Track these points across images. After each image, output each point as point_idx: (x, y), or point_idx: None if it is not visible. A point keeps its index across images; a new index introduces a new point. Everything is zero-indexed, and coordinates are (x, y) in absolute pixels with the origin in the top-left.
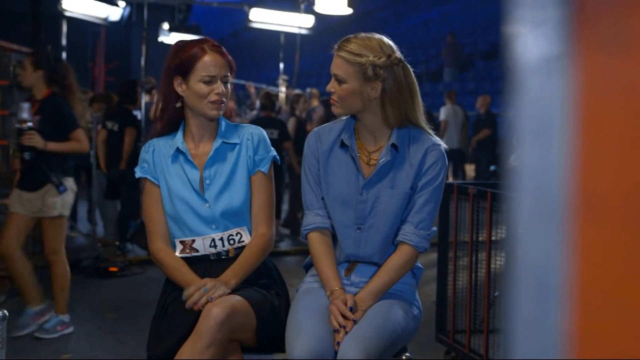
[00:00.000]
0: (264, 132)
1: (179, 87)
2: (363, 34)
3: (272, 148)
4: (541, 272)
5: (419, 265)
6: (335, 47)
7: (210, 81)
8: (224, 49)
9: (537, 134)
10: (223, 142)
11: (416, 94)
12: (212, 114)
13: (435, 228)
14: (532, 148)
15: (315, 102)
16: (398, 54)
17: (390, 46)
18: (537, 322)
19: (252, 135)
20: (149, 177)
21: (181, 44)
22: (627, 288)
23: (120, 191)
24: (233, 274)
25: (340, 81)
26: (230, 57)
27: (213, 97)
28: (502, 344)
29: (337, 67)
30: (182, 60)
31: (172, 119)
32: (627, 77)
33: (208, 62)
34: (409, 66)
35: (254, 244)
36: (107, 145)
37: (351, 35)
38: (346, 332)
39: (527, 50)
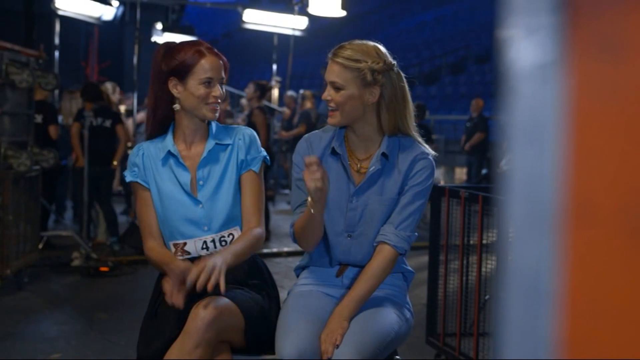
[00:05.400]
0: (255, 133)
1: (174, 89)
2: (357, 41)
3: (262, 149)
4: (532, 276)
5: (410, 268)
6: (330, 54)
7: (209, 83)
8: (217, 51)
9: (529, 140)
10: (216, 143)
11: (408, 101)
12: (210, 116)
13: (417, 233)
14: (524, 154)
15: (308, 104)
16: (391, 59)
17: (385, 52)
18: (527, 325)
19: (244, 135)
20: (139, 181)
21: (172, 45)
22: (617, 292)
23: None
24: (228, 251)
25: (338, 88)
26: (225, 58)
27: (211, 99)
28: (493, 347)
29: (334, 74)
30: (179, 62)
31: (163, 121)
32: (620, 84)
33: (207, 65)
34: (401, 72)
35: (245, 235)
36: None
37: (345, 43)
38: (337, 346)
39: (520, 57)
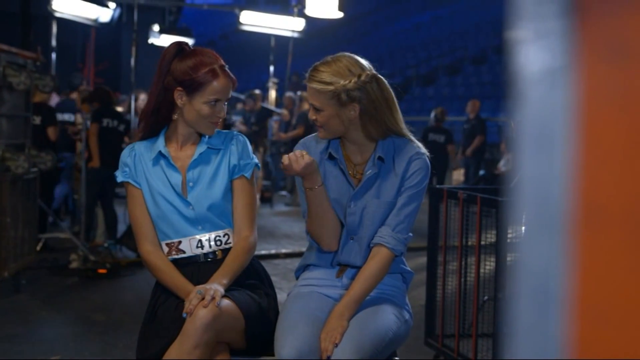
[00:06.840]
0: (246, 139)
1: (179, 99)
2: (330, 58)
3: (254, 155)
4: (542, 278)
5: (409, 269)
6: (307, 76)
7: (215, 104)
8: (227, 68)
9: (539, 145)
10: (208, 147)
11: (394, 105)
12: (208, 132)
13: (411, 234)
14: (534, 158)
15: (306, 105)
16: (369, 70)
17: (359, 66)
18: (537, 327)
19: (237, 140)
20: (130, 180)
21: (185, 48)
22: (626, 295)
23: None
24: (222, 275)
25: (317, 109)
26: (234, 77)
27: (214, 119)
28: (502, 348)
29: (312, 97)
30: (191, 78)
31: (160, 122)
32: (629, 88)
33: (218, 87)
34: (383, 79)
35: (238, 247)
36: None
37: (319, 63)
38: (336, 345)
39: (530, 62)
